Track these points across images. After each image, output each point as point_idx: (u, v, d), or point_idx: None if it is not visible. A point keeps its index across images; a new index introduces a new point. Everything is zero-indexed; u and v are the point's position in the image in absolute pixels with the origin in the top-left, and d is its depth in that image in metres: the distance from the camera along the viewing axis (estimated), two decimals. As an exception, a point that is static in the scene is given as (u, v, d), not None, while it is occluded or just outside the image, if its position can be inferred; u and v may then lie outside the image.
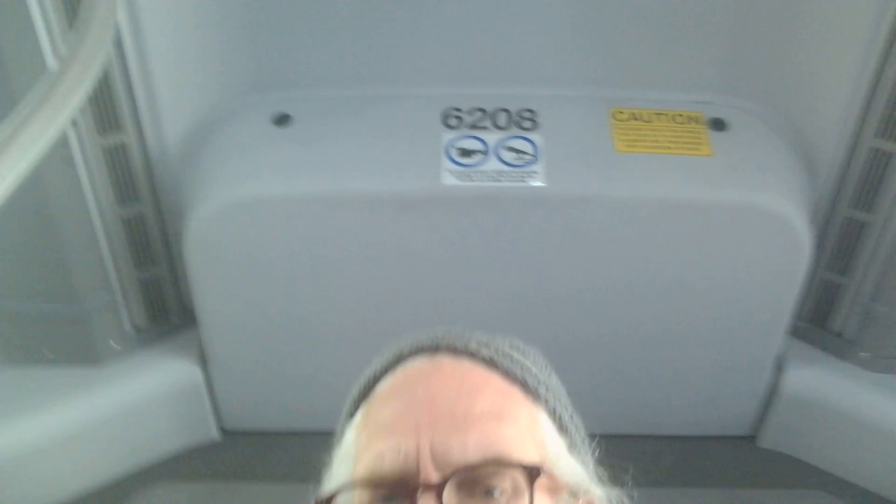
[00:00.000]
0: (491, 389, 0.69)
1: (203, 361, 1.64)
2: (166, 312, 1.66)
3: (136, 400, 1.62)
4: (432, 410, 0.66)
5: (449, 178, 1.39)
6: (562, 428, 0.73)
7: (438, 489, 0.62)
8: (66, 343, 1.58)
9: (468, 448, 0.64)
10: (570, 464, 0.71)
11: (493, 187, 1.39)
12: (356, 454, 0.70)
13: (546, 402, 0.72)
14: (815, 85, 1.43)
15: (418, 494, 0.62)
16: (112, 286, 1.56)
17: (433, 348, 0.72)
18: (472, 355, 0.71)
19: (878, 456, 1.58)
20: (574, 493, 0.69)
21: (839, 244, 1.53)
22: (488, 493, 0.64)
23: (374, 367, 0.74)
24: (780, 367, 1.63)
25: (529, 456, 0.66)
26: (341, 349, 1.55)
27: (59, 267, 1.49)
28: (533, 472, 0.64)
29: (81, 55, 0.88)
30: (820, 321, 1.63)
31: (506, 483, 0.64)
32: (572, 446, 0.73)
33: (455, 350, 0.72)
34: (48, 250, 1.47)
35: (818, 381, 1.61)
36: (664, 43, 1.46)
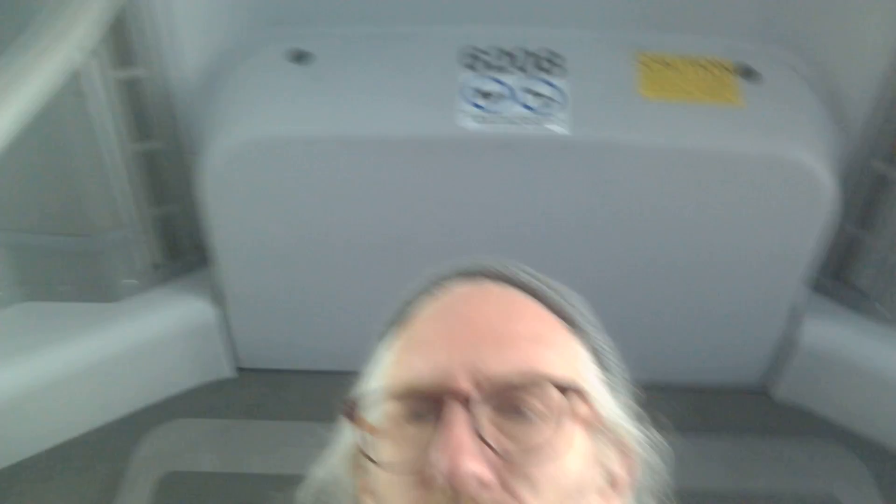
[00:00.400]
0: (533, 315, 0.68)
1: (218, 299, 1.64)
2: (182, 249, 1.66)
3: (152, 336, 1.63)
4: (471, 327, 0.64)
5: (468, 120, 1.36)
6: (603, 366, 0.71)
7: (469, 400, 0.60)
8: (81, 279, 1.59)
9: (505, 363, 0.62)
10: (608, 402, 0.69)
11: (514, 132, 1.36)
12: (387, 368, 0.68)
13: (589, 337, 0.71)
14: (851, 36, 1.38)
15: (447, 403, 0.60)
16: (127, 222, 1.55)
17: (475, 273, 0.71)
18: (516, 283, 0.70)
19: (893, 410, 1.58)
20: (611, 433, 0.68)
21: (867, 200, 1.49)
22: (520, 414, 0.61)
23: (412, 289, 0.73)
24: (798, 320, 1.61)
25: (568, 380, 0.64)
26: (355, 290, 1.55)
27: (74, 202, 1.48)
28: (569, 392, 0.62)
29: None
30: (842, 276, 1.61)
31: (540, 405, 0.62)
32: (613, 387, 0.71)
33: (498, 276, 0.70)
34: (63, 185, 1.46)
35: (836, 334, 1.59)
36: (696, -15, 1.41)
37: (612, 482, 0.69)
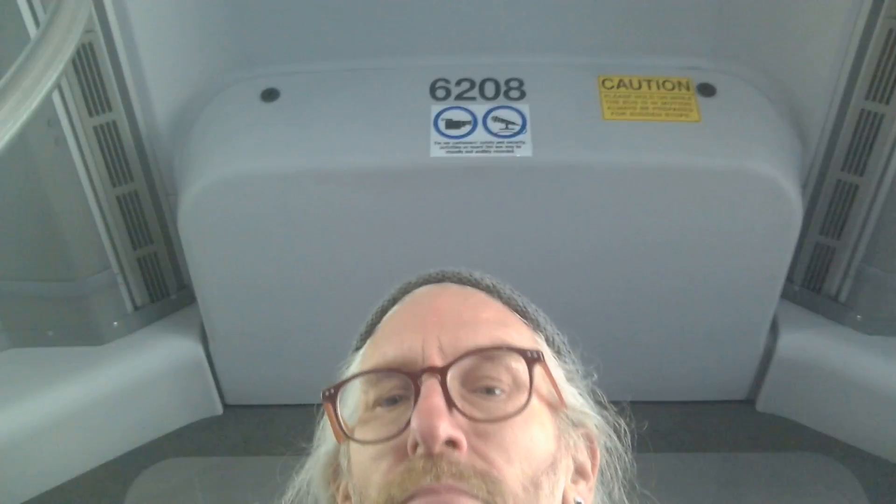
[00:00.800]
0: (494, 307, 0.72)
1: (203, 337, 1.66)
2: (165, 290, 1.68)
3: (140, 377, 1.64)
4: (437, 314, 0.69)
5: (437, 150, 1.39)
6: (560, 357, 0.75)
7: (442, 372, 0.63)
8: (67, 323, 1.61)
9: (475, 338, 0.66)
10: (569, 388, 0.72)
11: (481, 158, 1.39)
12: (361, 363, 0.72)
13: (545, 330, 0.75)
14: (804, 48, 1.42)
15: (422, 378, 0.63)
16: (111, 265, 1.57)
17: (438, 278, 0.76)
18: (476, 284, 0.75)
19: (872, 417, 1.59)
20: (573, 415, 0.71)
21: (831, 207, 1.52)
22: (489, 391, 0.65)
23: (382, 300, 0.77)
24: (774, 330, 1.63)
25: (532, 348, 0.68)
26: (335, 321, 1.56)
27: (57, 248, 1.51)
28: (534, 357, 0.66)
29: (59, 22, 0.89)
30: (814, 285, 1.63)
31: (506, 379, 0.65)
32: (570, 376, 0.74)
33: (460, 279, 0.76)
34: (46, 231, 1.49)
35: (813, 344, 1.61)
36: (652, 8, 1.45)
37: (580, 470, 0.72)
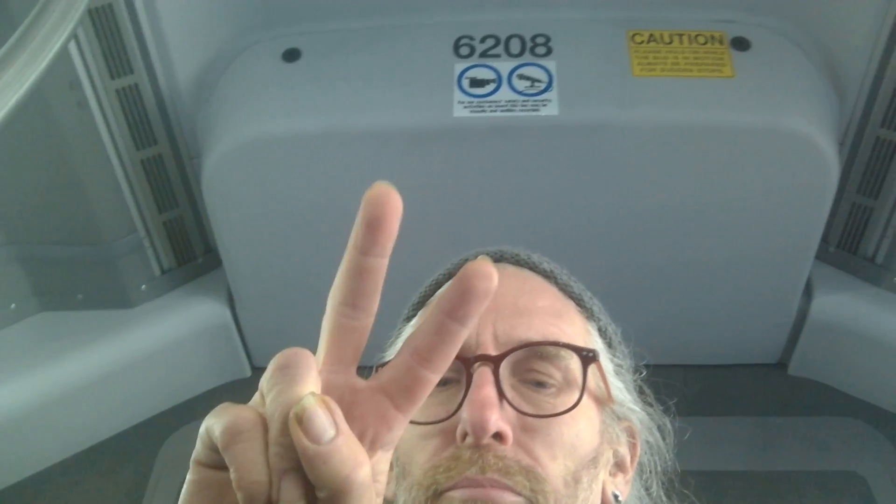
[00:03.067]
0: (550, 294, 0.72)
1: (230, 300, 1.66)
2: (192, 253, 1.68)
3: (168, 340, 1.65)
4: (495, 299, 0.66)
5: (460, 109, 1.37)
6: (610, 347, 0.74)
7: (496, 362, 0.63)
8: (96, 287, 1.62)
9: (529, 329, 0.66)
10: (617, 382, 0.72)
11: (506, 117, 1.36)
12: None
13: (598, 319, 0.74)
14: (844, 1, 1.36)
15: (475, 366, 0.63)
16: (137, 229, 1.58)
17: (496, 257, 0.75)
18: (533, 267, 0.74)
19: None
20: (619, 413, 0.71)
21: (869, 166, 1.47)
22: (539, 384, 0.65)
23: (437, 274, 0.77)
24: (808, 292, 1.59)
25: (587, 347, 0.68)
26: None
27: (84, 212, 1.52)
28: (589, 356, 0.66)
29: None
30: (850, 246, 1.58)
31: (557, 375, 0.65)
32: (619, 369, 0.74)
33: (518, 261, 0.75)
34: (72, 195, 1.49)
35: (847, 306, 1.57)
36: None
37: (619, 463, 0.72)
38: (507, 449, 0.61)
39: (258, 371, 1.75)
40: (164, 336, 1.65)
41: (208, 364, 1.72)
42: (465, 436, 0.61)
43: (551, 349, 0.65)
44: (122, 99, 1.43)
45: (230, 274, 1.61)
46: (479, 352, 0.64)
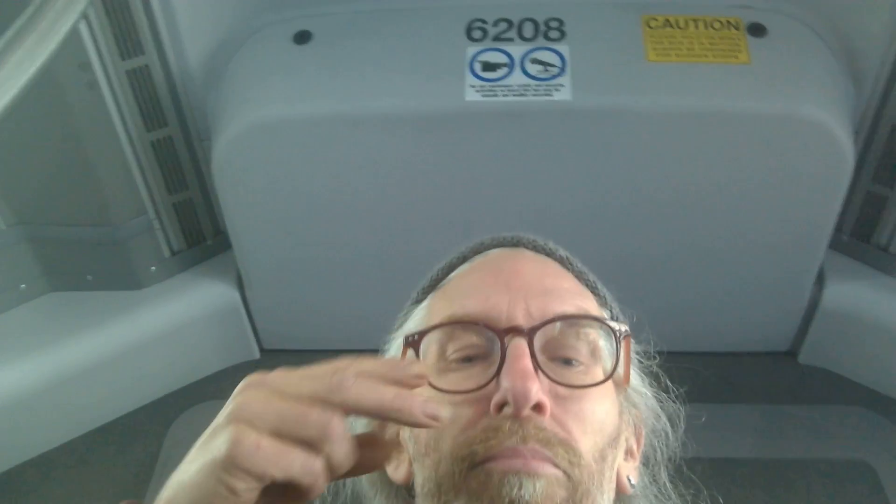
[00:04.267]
0: (570, 279, 0.71)
1: (240, 282, 1.66)
2: (202, 235, 1.68)
3: (177, 322, 1.66)
4: (522, 278, 0.67)
5: (472, 93, 1.35)
6: None
7: (530, 334, 0.62)
8: (106, 268, 1.62)
9: (562, 304, 0.65)
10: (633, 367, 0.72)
11: (518, 102, 1.35)
12: (431, 315, 0.70)
13: (611, 308, 0.74)
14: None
15: (509, 337, 0.62)
16: (147, 211, 1.57)
17: (513, 242, 0.75)
18: (550, 253, 0.74)
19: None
20: (633, 394, 0.71)
21: (885, 155, 1.45)
22: (566, 361, 0.65)
23: (450, 257, 0.76)
24: (820, 281, 1.59)
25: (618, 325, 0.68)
26: (371, 266, 1.56)
27: (94, 193, 1.51)
28: (623, 333, 0.66)
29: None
30: (863, 235, 1.57)
31: (585, 351, 0.65)
32: (634, 355, 0.73)
33: (535, 246, 0.74)
34: (82, 176, 1.49)
35: (859, 295, 1.56)
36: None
37: (629, 450, 0.72)
38: (546, 420, 0.60)
39: (267, 353, 1.76)
40: (173, 317, 1.66)
41: (217, 346, 1.72)
42: (501, 406, 0.60)
43: (583, 322, 0.65)
44: (132, 80, 1.42)
45: (239, 256, 1.61)
46: (512, 324, 0.63)
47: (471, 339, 0.64)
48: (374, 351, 0.75)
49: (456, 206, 1.46)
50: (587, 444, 0.62)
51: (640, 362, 0.75)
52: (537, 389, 0.59)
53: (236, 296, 1.67)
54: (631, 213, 1.47)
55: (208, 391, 1.70)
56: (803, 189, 1.43)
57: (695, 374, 1.66)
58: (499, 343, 0.62)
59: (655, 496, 0.75)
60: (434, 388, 0.63)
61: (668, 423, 0.75)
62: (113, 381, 1.63)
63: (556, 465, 0.59)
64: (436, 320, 0.67)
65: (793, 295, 1.60)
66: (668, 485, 0.77)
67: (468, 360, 0.64)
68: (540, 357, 0.62)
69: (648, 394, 0.73)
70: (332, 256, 1.57)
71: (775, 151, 1.38)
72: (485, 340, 0.64)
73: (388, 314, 0.78)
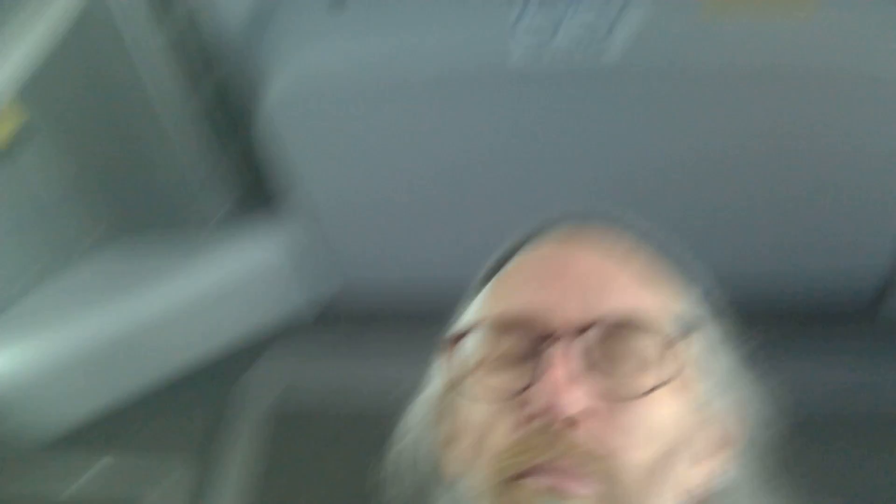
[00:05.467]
0: (631, 268, 0.67)
1: (311, 219, 1.64)
2: (264, 185, 1.68)
3: (252, 265, 1.67)
4: (577, 269, 0.64)
5: (516, 56, 1.29)
6: (703, 324, 0.70)
7: (574, 337, 0.59)
8: (169, 217, 1.66)
9: (611, 303, 0.62)
10: (704, 363, 0.68)
11: (565, 64, 1.28)
12: (485, 308, 0.68)
13: (690, 293, 0.71)
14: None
15: (550, 341, 0.59)
16: (206, 160, 1.60)
17: (571, 227, 0.71)
18: (621, 230, 0.70)
19: None
20: (706, 392, 0.67)
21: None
22: (618, 363, 0.61)
23: (507, 245, 0.73)
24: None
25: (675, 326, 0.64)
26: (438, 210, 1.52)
27: (156, 140, 1.54)
28: (675, 335, 0.62)
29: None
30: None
31: (637, 353, 0.61)
32: (711, 347, 0.70)
33: (605, 222, 0.71)
34: (143, 124, 1.52)
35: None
36: None
37: (706, 449, 0.67)
38: (581, 434, 0.57)
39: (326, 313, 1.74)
40: (246, 261, 1.66)
41: (293, 285, 1.71)
42: (533, 417, 0.58)
43: (634, 323, 0.61)
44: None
45: (305, 208, 1.60)
46: (556, 326, 0.60)
47: (515, 338, 0.62)
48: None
49: (503, 174, 1.42)
50: (636, 456, 0.58)
51: (724, 347, 0.70)
52: (569, 401, 0.56)
53: (306, 233, 1.65)
54: (691, 177, 1.40)
55: (290, 329, 1.70)
56: (881, 146, 1.33)
57: (771, 334, 1.61)
58: (542, 346, 0.59)
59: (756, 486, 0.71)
60: (473, 390, 0.62)
61: (754, 403, 0.70)
62: (182, 332, 1.66)
63: (593, 483, 0.56)
64: (484, 316, 0.66)
65: (873, 251, 1.52)
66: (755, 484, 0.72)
67: (513, 361, 0.62)
68: (587, 361, 0.59)
69: (728, 388, 0.68)
70: (403, 193, 1.53)
71: (847, 110, 1.28)
72: (527, 342, 0.61)
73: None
